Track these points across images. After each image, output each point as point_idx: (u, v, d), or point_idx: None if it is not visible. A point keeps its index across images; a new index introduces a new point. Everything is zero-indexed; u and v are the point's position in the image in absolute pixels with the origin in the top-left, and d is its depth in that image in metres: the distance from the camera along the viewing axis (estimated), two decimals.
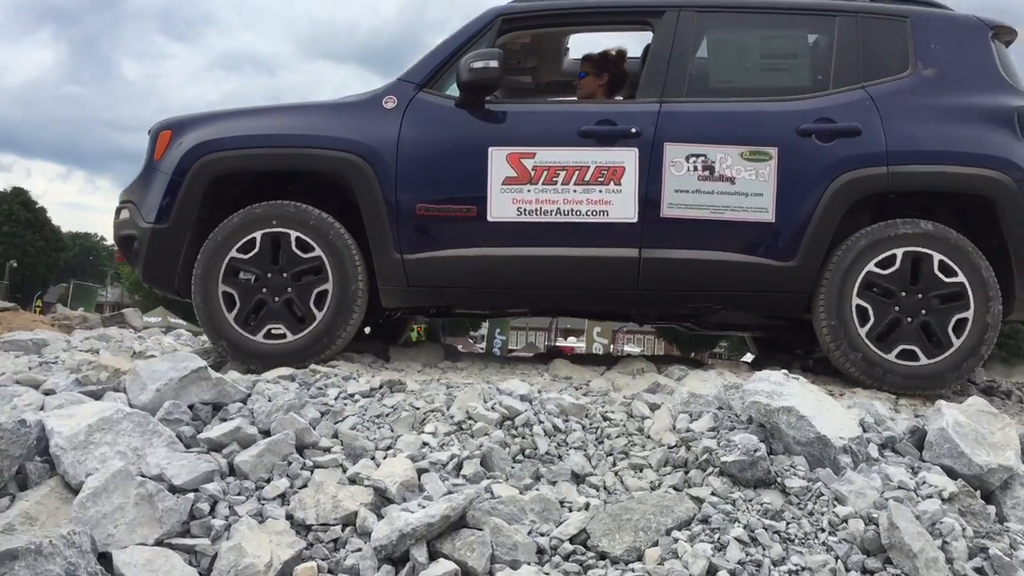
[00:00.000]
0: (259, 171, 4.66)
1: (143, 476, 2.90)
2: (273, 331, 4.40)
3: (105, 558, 2.68)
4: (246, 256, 4.42)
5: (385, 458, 3.16)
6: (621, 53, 5.37)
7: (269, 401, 3.43)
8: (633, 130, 4.35)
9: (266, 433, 3.24)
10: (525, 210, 4.33)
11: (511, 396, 3.52)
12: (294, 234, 4.40)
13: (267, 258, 4.42)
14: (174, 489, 2.90)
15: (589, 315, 5.86)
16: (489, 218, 4.34)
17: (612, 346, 34.69)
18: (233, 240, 4.43)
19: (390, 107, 4.52)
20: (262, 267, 4.42)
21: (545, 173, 4.32)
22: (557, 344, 38.76)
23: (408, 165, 4.41)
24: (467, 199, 4.38)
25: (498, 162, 4.35)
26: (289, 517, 2.90)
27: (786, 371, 3.54)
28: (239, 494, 2.97)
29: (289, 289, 4.39)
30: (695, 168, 4.31)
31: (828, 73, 4.58)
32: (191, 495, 2.88)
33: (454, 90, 4.62)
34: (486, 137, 4.43)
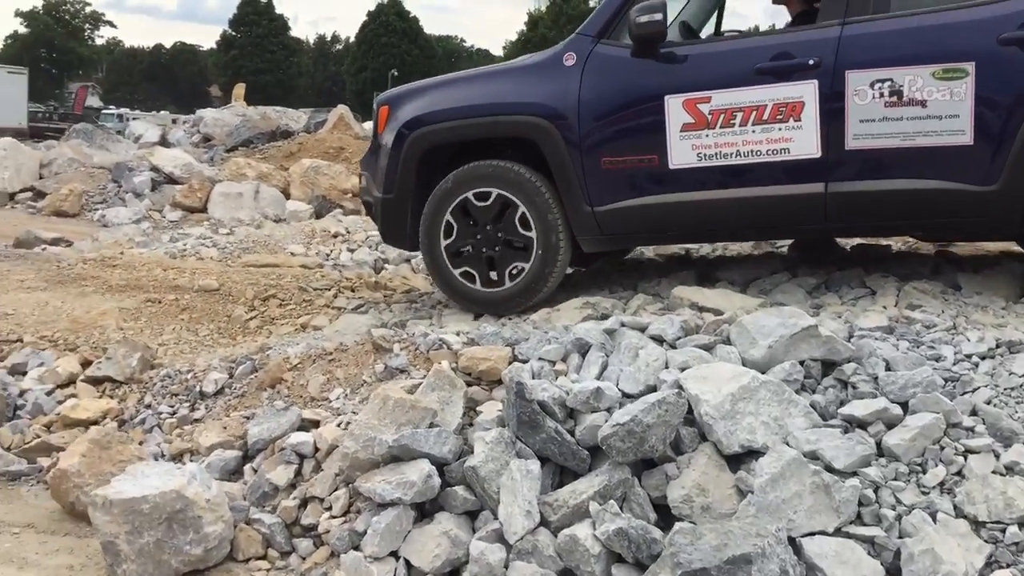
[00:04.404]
0: (462, 141, 4.97)
1: (803, 456, 3.03)
2: (492, 279, 4.86)
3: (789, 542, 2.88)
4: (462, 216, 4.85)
5: None
6: None
7: (887, 369, 3.38)
8: (811, 62, 4.17)
9: (902, 405, 3.21)
10: (705, 155, 4.35)
11: None
12: (495, 192, 4.75)
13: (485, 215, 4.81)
14: (831, 470, 3.00)
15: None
16: (671, 166, 4.42)
17: None
18: (445, 205, 4.86)
19: (570, 64, 4.63)
20: (477, 224, 4.84)
21: (722, 116, 4.30)
22: None
23: (590, 121, 4.55)
24: (648, 149, 4.46)
25: (675, 110, 4.37)
26: (954, 508, 2.90)
27: None
28: (895, 479, 3.01)
29: (499, 236, 4.80)
30: (881, 95, 4.06)
31: None
32: (856, 480, 2.97)
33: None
34: (662, 85, 4.43)
